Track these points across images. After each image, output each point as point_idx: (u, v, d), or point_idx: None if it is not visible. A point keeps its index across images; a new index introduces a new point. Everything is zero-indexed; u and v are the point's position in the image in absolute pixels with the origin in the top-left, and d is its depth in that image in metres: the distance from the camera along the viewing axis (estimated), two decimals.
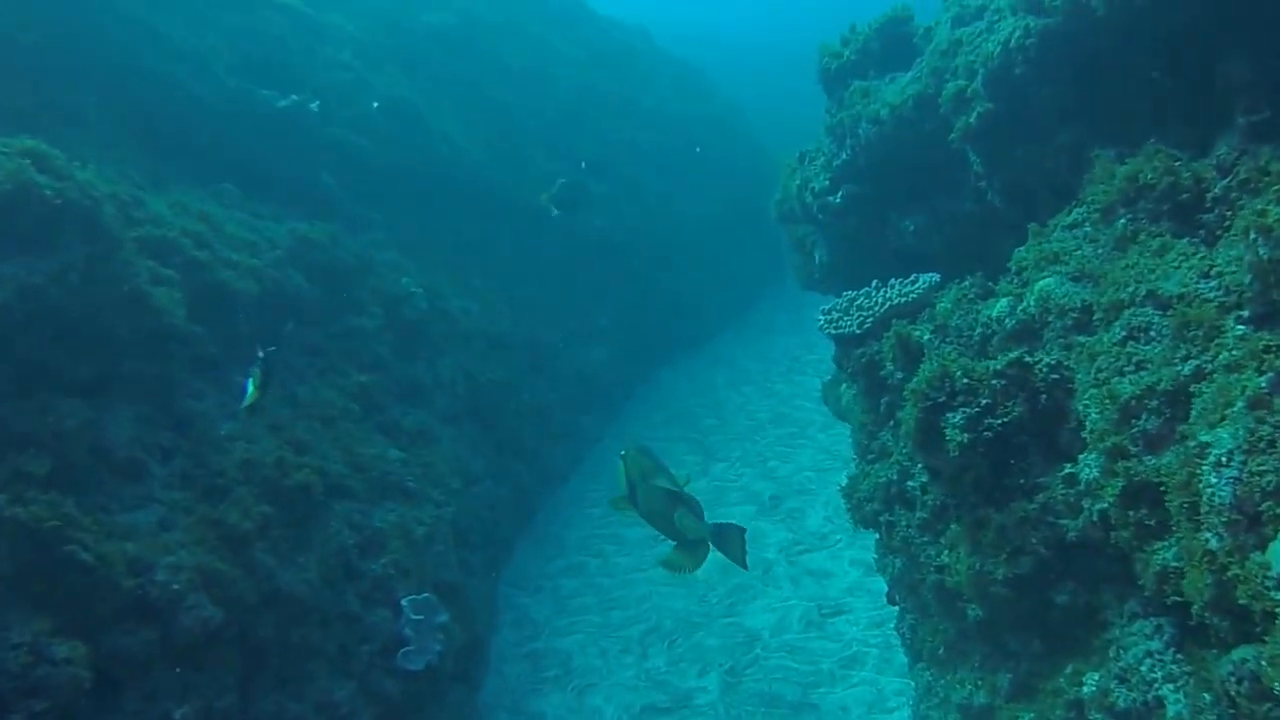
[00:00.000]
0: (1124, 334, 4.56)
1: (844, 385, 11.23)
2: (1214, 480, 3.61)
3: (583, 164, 17.14)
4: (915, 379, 5.00)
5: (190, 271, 7.14)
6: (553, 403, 14.01)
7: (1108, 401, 4.33)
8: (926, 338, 5.81)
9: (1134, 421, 4.26)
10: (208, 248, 7.45)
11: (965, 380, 4.83)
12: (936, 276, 6.53)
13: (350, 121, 13.17)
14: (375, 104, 13.71)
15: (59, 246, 5.75)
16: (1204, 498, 3.65)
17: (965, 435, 4.79)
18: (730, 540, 4.64)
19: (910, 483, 6.02)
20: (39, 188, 5.63)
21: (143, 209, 7.39)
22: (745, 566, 5.15)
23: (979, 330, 5.57)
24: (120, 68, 10.28)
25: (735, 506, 12.23)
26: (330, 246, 9.72)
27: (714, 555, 11.18)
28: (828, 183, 8.91)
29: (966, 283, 6.08)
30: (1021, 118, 6.74)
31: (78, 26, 9.79)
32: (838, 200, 8.80)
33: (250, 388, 6.12)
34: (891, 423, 6.46)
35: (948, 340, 5.70)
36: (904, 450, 6.09)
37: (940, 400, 4.86)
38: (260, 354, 6.10)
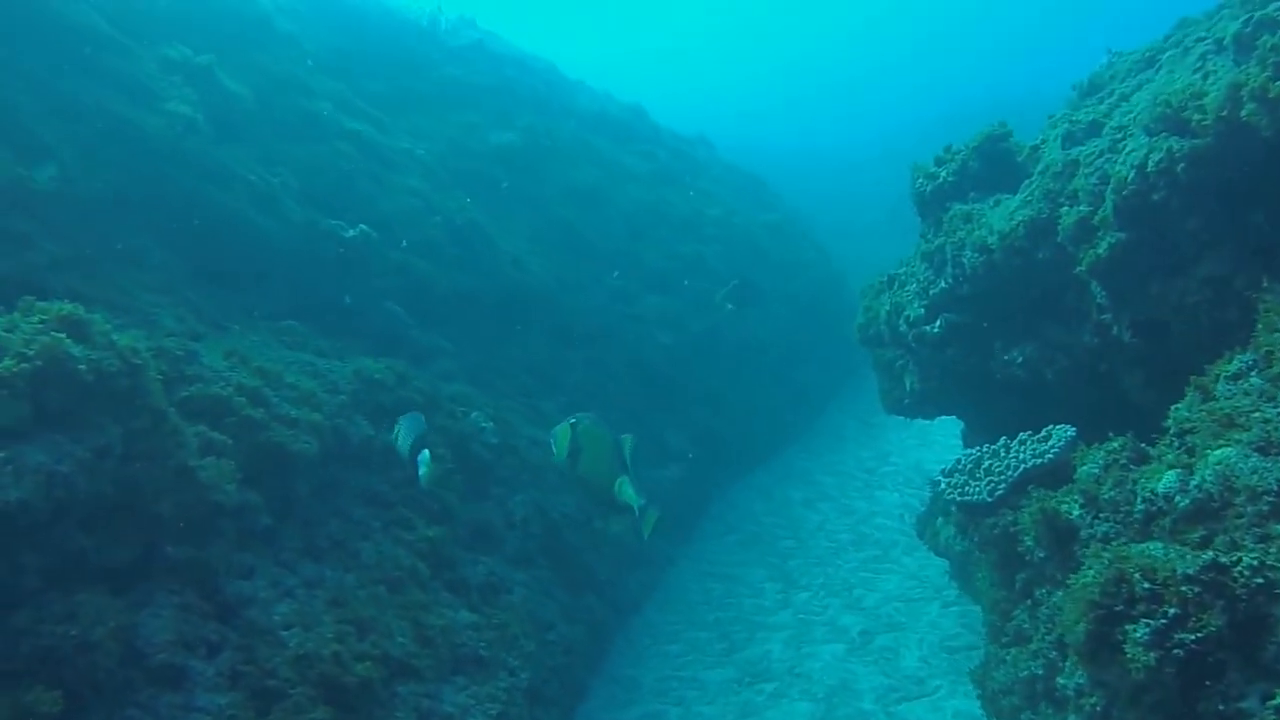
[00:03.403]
0: None
1: (940, 519, 10.37)
2: None
3: (615, 273, 16.71)
4: (1082, 579, 4.19)
5: (244, 433, 6.59)
6: (625, 528, 13.27)
7: None
8: (1076, 513, 5.00)
9: None
10: (264, 405, 6.93)
11: (1146, 585, 4.02)
12: (1072, 431, 5.75)
13: (417, 247, 12.89)
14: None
15: (94, 425, 5.21)
16: None
17: (1151, 655, 3.96)
18: (648, 516, 5.18)
19: (1061, 679, 5.16)
20: (73, 362, 5.10)
21: (195, 364, 6.91)
22: (643, 539, 5.57)
23: (1140, 506, 4.77)
24: (184, 205, 10.02)
25: (823, 645, 11.28)
26: (397, 386, 9.23)
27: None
28: (923, 311, 8.31)
29: (1115, 444, 5.29)
30: (1158, 247, 6.05)
31: (140, 170, 9.54)
32: (936, 330, 8.19)
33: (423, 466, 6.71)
34: (1028, 601, 5.63)
35: (1101, 516, 4.91)
36: (1048, 638, 5.26)
37: (1117, 609, 4.06)
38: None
